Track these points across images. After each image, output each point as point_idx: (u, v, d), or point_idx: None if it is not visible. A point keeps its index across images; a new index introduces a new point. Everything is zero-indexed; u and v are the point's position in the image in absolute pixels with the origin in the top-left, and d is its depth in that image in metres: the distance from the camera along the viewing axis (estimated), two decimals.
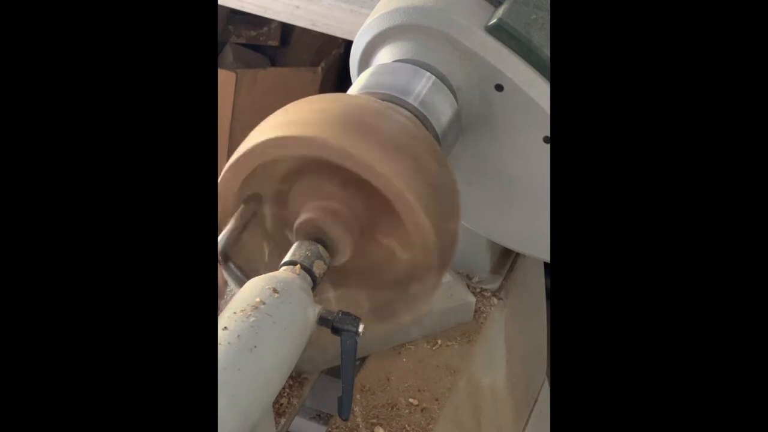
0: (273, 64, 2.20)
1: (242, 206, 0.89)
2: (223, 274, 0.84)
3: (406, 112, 0.94)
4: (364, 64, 1.08)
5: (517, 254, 1.26)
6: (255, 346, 0.74)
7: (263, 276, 0.81)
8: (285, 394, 1.07)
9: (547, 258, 1.12)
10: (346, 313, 0.81)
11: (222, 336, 0.73)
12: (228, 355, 0.72)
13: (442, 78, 1.00)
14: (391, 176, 0.83)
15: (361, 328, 0.81)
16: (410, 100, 0.96)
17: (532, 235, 1.09)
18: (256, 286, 0.79)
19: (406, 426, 1.06)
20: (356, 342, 0.81)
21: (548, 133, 1.00)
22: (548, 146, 1.01)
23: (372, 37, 1.05)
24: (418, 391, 1.09)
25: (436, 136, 0.96)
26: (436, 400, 1.08)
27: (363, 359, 1.12)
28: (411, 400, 1.08)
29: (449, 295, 1.17)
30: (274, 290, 0.78)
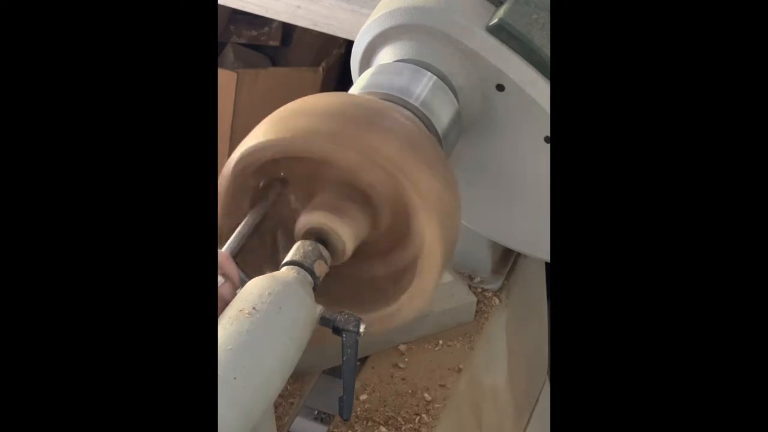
0: (274, 64, 2.19)
1: (253, 209, 0.89)
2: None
3: (407, 112, 0.94)
4: (365, 64, 1.08)
5: (519, 254, 1.26)
6: (256, 346, 0.74)
7: (264, 276, 0.81)
8: (285, 394, 1.07)
9: (548, 258, 1.12)
10: (347, 314, 0.81)
11: (223, 336, 0.73)
12: (229, 355, 0.72)
13: (443, 78, 1.00)
14: (392, 178, 0.83)
15: (362, 328, 0.81)
16: (411, 100, 0.96)
17: (533, 235, 1.09)
18: (257, 286, 0.79)
19: (408, 425, 1.06)
20: (357, 342, 0.81)
21: (549, 133, 1.00)
22: (549, 146, 1.01)
23: (373, 37, 1.05)
24: (419, 390, 1.09)
25: (437, 136, 0.96)
26: (437, 400, 1.08)
27: (364, 359, 1.12)
28: (412, 400, 1.08)
29: (450, 295, 1.17)
30: (276, 290, 0.78)
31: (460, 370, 1.12)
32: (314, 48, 2.16)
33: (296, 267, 0.83)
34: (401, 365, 1.12)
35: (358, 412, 1.06)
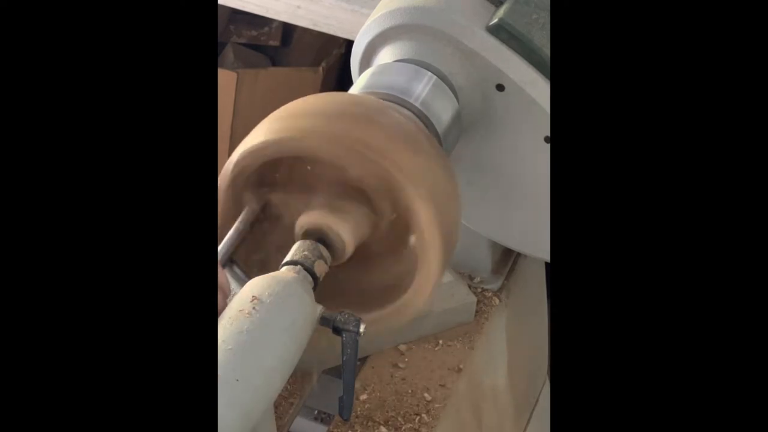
0: (274, 64, 2.19)
1: (245, 209, 0.89)
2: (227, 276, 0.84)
3: (407, 112, 0.94)
4: (365, 64, 1.08)
5: (519, 254, 1.26)
6: (256, 346, 0.74)
7: (264, 276, 0.81)
8: (285, 394, 1.07)
9: (548, 258, 1.12)
10: (347, 314, 0.81)
11: (222, 336, 0.73)
12: (229, 355, 0.72)
13: (443, 78, 1.00)
14: (393, 176, 0.83)
15: (362, 328, 0.81)
16: (411, 100, 0.96)
17: (533, 235, 1.09)
18: (257, 286, 0.79)
19: (408, 425, 1.06)
20: (357, 342, 0.81)
21: (549, 133, 1.00)
22: (549, 146, 1.01)
23: (373, 37, 1.05)
24: (419, 390, 1.09)
25: (437, 136, 0.96)
26: (437, 400, 1.08)
27: (364, 359, 1.12)
28: (412, 400, 1.08)
29: (450, 295, 1.17)
30: (276, 290, 0.78)
31: (460, 370, 1.12)
32: (314, 48, 2.16)
33: (296, 267, 0.83)
34: (401, 365, 1.12)
35: (358, 412, 1.06)
